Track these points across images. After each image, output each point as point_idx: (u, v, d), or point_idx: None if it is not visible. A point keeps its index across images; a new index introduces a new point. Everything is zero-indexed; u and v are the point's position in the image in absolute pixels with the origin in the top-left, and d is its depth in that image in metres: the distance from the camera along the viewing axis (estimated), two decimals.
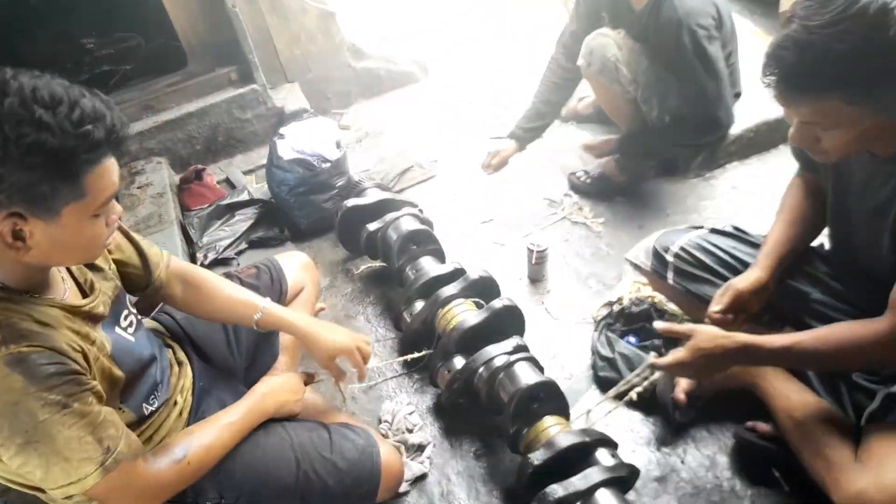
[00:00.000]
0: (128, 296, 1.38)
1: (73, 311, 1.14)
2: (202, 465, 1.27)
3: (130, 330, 1.30)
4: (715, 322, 1.49)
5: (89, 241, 1.08)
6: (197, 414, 1.46)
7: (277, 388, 1.49)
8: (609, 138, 2.61)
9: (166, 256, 1.49)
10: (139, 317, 1.36)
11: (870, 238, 1.34)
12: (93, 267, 1.24)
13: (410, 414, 1.91)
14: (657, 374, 1.63)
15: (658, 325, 1.49)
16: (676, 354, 1.41)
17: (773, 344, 1.32)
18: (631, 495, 1.62)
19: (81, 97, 0.98)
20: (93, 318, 1.17)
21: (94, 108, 0.98)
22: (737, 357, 1.36)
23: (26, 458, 1.03)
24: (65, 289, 1.16)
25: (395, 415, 1.90)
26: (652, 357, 1.50)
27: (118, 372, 1.19)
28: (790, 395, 1.55)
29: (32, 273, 1.09)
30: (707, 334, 1.37)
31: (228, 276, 1.83)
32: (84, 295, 1.19)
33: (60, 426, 1.02)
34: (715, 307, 1.53)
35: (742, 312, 1.54)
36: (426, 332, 1.98)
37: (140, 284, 1.44)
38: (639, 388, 1.61)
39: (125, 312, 1.29)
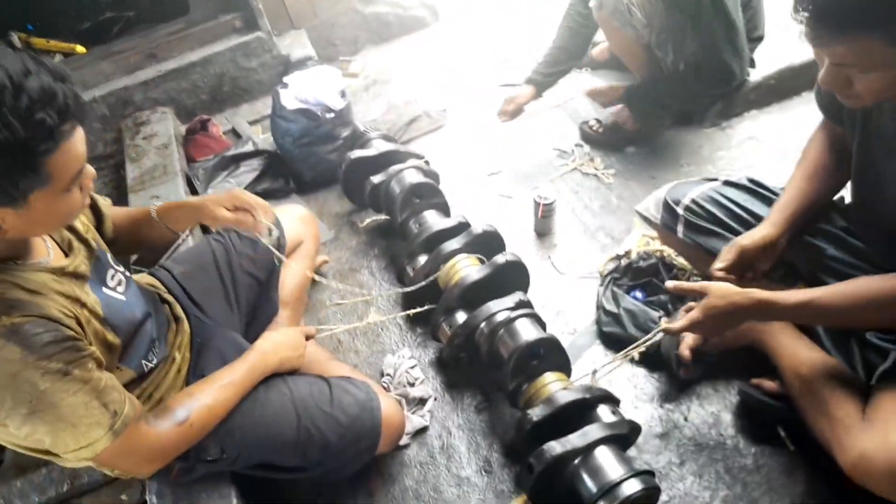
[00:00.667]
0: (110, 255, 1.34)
1: (61, 272, 1.12)
2: (205, 425, 1.28)
3: (120, 289, 1.28)
4: (719, 280, 1.44)
5: (66, 212, 1.06)
6: (196, 370, 1.46)
7: (279, 343, 1.49)
8: (617, 85, 2.52)
9: (108, 204, 1.45)
10: (128, 275, 1.34)
11: (894, 194, 1.27)
12: (70, 227, 1.21)
13: (412, 368, 1.91)
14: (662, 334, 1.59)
15: (669, 284, 1.44)
16: (689, 315, 1.36)
17: (790, 300, 1.27)
18: (632, 452, 1.61)
19: (25, 77, 0.89)
20: (79, 278, 1.15)
21: (42, 89, 0.90)
22: (752, 314, 1.31)
23: (33, 428, 1.04)
24: (48, 250, 1.14)
25: (396, 368, 1.90)
26: (664, 322, 1.46)
27: (112, 337, 1.18)
28: (798, 353, 1.51)
29: (14, 242, 1.07)
30: (721, 291, 1.32)
31: (227, 230, 1.81)
32: (66, 255, 1.17)
33: (63, 394, 1.02)
34: (718, 264, 1.47)
35: (749, 270, 1.48)
36: (429, 287, 1.95)
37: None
38: (642, 347, 1.57)
39: (111, 272, 1.26)
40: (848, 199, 1.54)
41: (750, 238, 1.46)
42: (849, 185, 1.49)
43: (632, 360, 1.63)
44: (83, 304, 1.12)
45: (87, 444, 1.07)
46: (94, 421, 1.06)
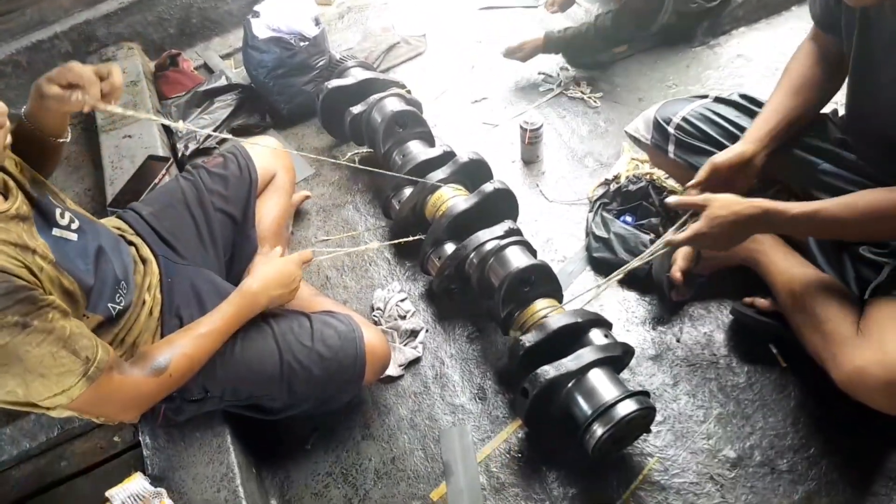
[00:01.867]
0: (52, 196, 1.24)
1: (3, 217, 1.05)
2: (185, 373, 1.25)
3: (74, 226, 1.21)
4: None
5: None
6: (171, 311, 1.42)
7: (270, 281, 1.42)
8: (530, 39, 2.44)
9: None
10: (81, 214, 1.27)
11: (893, 101, 1.23)
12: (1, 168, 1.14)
13: (402, 301, 1.88)
14: (658, 252, 1.56)
15: (670, 199, 1.39)
16: (693, 226, 1.32)
17: (796, 210, 1.24)
18: (625, 374, 1.62)
19: None
20: (23, 220, 1.09)
21: None
22: (755, 223, 1.28)
23: (2, 381, 1.01)
24: None
25: (387, 302, 1.87)
26: (669, 234, 1.40)
27: (69, 282, 1.12)
28: (790, 270, 1.49)
29: None
30: (723, 201, 1.28)
31: (195, 167, 1.74)
32: (4, 198, 1.10)
33: (27, 346, 0.98)
34: (691, 182, 1.43)
35: (727, 189, 1.43)
36: (416, 220, 1.91)
37: None
38: (644, 262, 1.54)
39: (58, 210, 1.19)
40: (842, 112, 1.50)
41: (723, 155, 1.42)
42: (843, 95, 1.45)
43: (622, 283, 1.62)
44: (33, 251, 1.06)
45: (62, 390, 1.04)
46: (66, 370, 1.03)
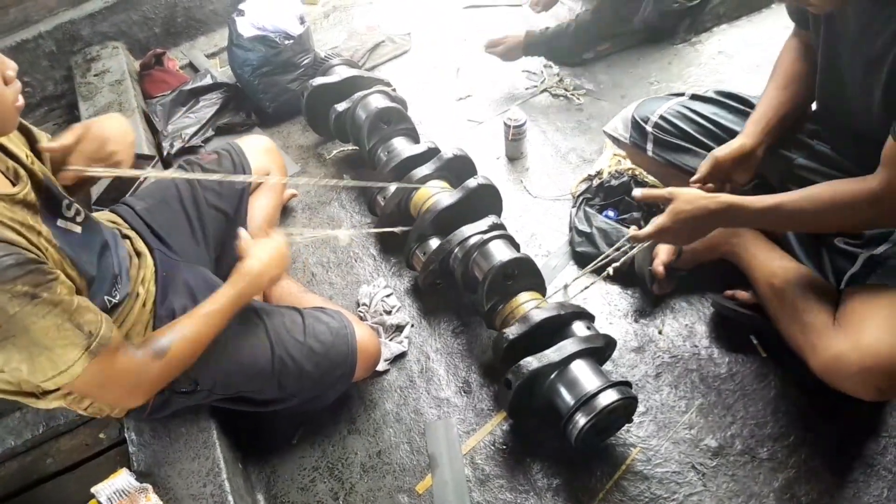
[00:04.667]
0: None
1: (11, 200, 1.05)
2: (187, 356, 1.24)
3: (79, 218, 1.22)
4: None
5: None
6: (164, 304, 1.42)
7: (268, 264, 1.39)
8: (512, 36, 2.46)
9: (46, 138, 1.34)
10: (82, 210, 1.28)
11: (862, 93, 1.26)
12: (12, 156, 1.14)
13: (388, 296, 1.89)
14: (636, 248, 1.59)
15: (636, 192, 1.42)
16: (657, 221, 1.34)
17: (759, 203, 1.26)
18: (608, 366, 1.64)
19: None
20: (30, 208, 1.10)
21: None
22: (720, 218, 1.30)
23: (7, 355, 1.00)
24: None
25: (372, 297, 1.88)
26: (632, 230, 1.44)
27: (71, 269, 1.13)
28: (770, 263, 1.52)
29: None
30: (688, 195, 1.30)
31: (189, 163, 1.76)
32: (13, 184, 1.11)
33: (34, 317, 0.98)
34: (694, 177, 1.46)
35: (727, 182, 1.47)
36: (401, 216, 1.92)
37: None
38: (616, 263, 1.57)
39: (65, 202, 1.20)
40: (815, 105, 1.53)
41: (725, 149, 1.44)
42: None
43: (606, 277, 1.64)
44: (39, 233, 1.07)
45: (65, 367, 1.03)
46: (69, 342, 1.03)
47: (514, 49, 2.48)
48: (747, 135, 1.46)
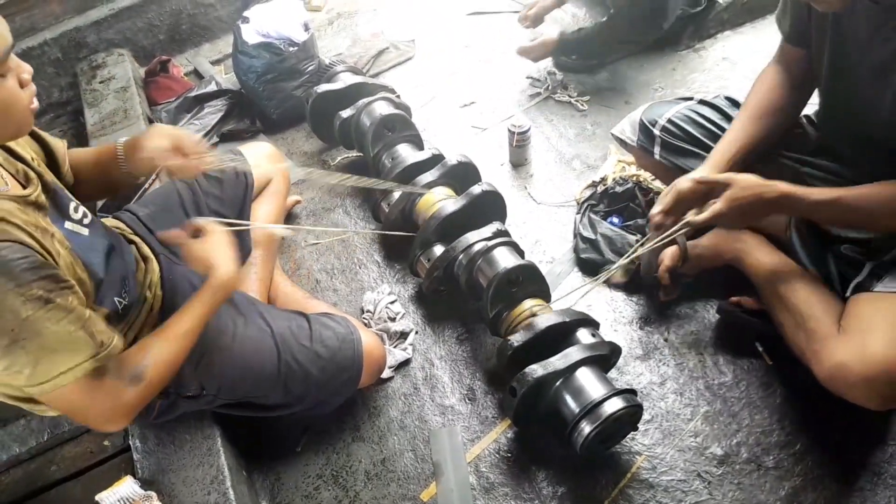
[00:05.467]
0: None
1: (23, 201, 1.06)
2: (163, 379, 1.19)
3: (86, 221, 1.22)
4: (657, 225, 1.42)
5: (7, 106, 1.00)
6: (171, 308, 1.41)
7: (235, 269, 1.29)
8: (547, 38, 2.46)
9: (64, 146, 1.34)
10: (89, 214, 1.28)
11: (872, 97, 1.25)
12: (20, 158, 1.15)
13: (392, 303, 1.89)
14: (648, 246, 1.56)
15: (696, 174, 1.39)
16: (713, 207, 1.33)
17: (816, 196, 1.26)
18: (613, 373, 1.63)
19: None
20: (40, 209, 1.10)
21: None
22: (776, 206, 1.30)
23: (13, 359, 0.98)
24: (5, 181, 1.08)
25: (376, 304, 1.88)
26: (691, 214, 1.38)
27: (82, 270, 1.13)
28: (775, 269, 1.51)
29: None
30: (745, 181, 1.30)
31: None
32: (23, 186, 1.11)
33: (47, 322, 0.97)
34: (656, 208, 1.42)
35: (688, 212, 1.41)
36: (405, 222, 1.92)
37: None
38: (625, 261, 1.54)
39: (73, 204, 1.20)
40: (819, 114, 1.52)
41: (687, 183, 1.39)
42: (816, 101, 1.48)
43: (610, 284, 1.63)
44: (51, 235, 1.07)
45: (67, 368, 1.01)
46: (79, 348, 1.02)
47: (546, 52, 2.49)
48: (711, 166, 1.45)
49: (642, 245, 1.52)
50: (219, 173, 1.71)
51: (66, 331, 1.00)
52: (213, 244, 1.29)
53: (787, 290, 1.45)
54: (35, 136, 1.25)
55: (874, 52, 1.21)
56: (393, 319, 1.85)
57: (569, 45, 2.48)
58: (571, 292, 1.64)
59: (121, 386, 1.12)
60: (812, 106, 1.54)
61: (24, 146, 1.18)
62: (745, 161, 1.47)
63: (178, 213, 1.62)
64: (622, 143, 1.81)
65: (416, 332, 1.83)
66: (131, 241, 1.46)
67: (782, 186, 1.28)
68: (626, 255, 1.57)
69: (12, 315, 0.95)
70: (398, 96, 2.26)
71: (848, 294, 1.35)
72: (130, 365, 1.14)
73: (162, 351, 1.18)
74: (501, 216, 1.88)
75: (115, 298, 1.23)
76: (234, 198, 1.72)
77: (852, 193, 1.25)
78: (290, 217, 2.21)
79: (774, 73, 1.52)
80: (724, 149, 1.47)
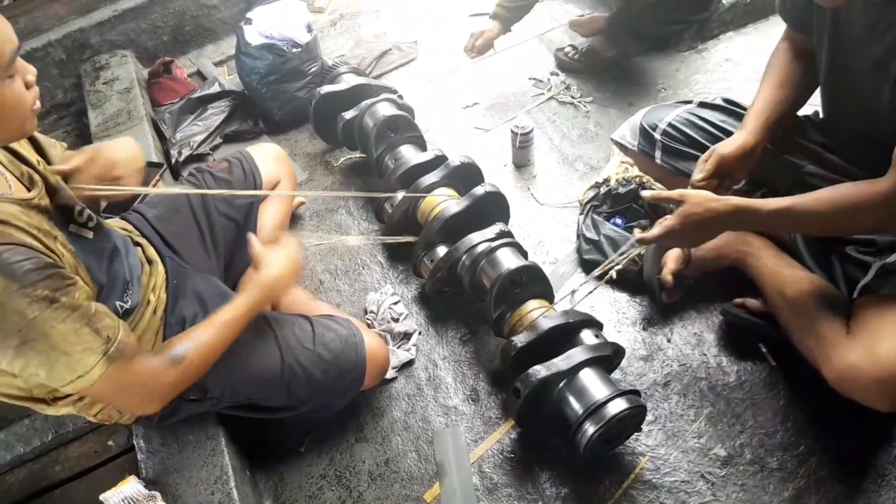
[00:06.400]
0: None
1: (27, 204, 1.07)
2: (203, 363, 1.23)
3: (91, 224, 1.23)
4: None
5: (13, 107, 1.01)
6: (174, 311, 1.42)
7: (285, 271, 1.38)
8: (598, 16, 2.46)
9: (60, 149, 1.36)
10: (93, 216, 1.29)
11: (870, 94, 1.25)
12: (25, 161, 1.15)
13: (395, 304, 1.89)
14: (641, 249, 1.57)
15: (645, 193, 1.40)
16: (665, 223, 1.32)
17: (770, 206, 1.24)
18: (616, 375, 1.63)
19: None
20: (44, 213, 1.10)
21: None
22: (730, 221, 1.28)
23: (26, 360, 1.00)
24: (8, 183, 1.08)
25: (380, 305, 1.88)
26: (637, 232, 1.40)
27: (84, 273, 1.13)
28: (781, 272, 1.51)
29: None
30: (698, 197, 1.28)
31: (199, 171, 1.76)
32: (28, 189, 1.12)
33: (53, 321, 0.98)
34: (697, 175, 1.44)
35: (727, 179, 1.45)
36: (408, 223, 1.93)
37: None
38: (618, 266, 1.54)
39: (77, 207, 1.21)
40: (822, 112, 1.53)
41: (730, 145, 1.43)
42: (819, 96, 1.48)
43: (614, 284, 1.63)
44: (54, 238, 1.08)
45: (83, 371, 1.03)
46: (87, 347, 1.03)
47: (598, 30, 2.49)
48: (748, 131, 1.45)
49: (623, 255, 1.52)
50: (227, 174, 1.71)
51: (71, 329, 1.01)
52: (275, 250, 1.40)
53: (794, 294, 1.45)
54: (30, 138, 1.25)
55: (871, 45, 1.21)
56: (396, 320, 1.85)
57: (618, 20, 2.43)
58: (573, 292, 1.64)
59: (161, 366, 1.15)
60: (812, 106, 1.54)
61: (28, 149, 1.19)
62: (777, 127, 1.46)
63: (187, 214, 1.63)
64: (622, 147, 1.81)
65: (420, 333, 1.83)
66: (137, 244, 1.46)
67: (735, 201, 1.26)
68: (618, 253, 1.57)
69: (19, 316, 0.96)
70: (401, 97, 2.26)
71: (855, 296, 1.35)
72: (173, 346, 1.19)
73: (203, 336, 1.23)
74: (505, 217, 1.88)
75: (117, 302, 1.24)
76: (243, 200, 1.73)
77: (803, 200, 1.23)
78: (294, 218, 2.21)
79: (786, 47, 1.52)
80: (759, 113, 1.46)
